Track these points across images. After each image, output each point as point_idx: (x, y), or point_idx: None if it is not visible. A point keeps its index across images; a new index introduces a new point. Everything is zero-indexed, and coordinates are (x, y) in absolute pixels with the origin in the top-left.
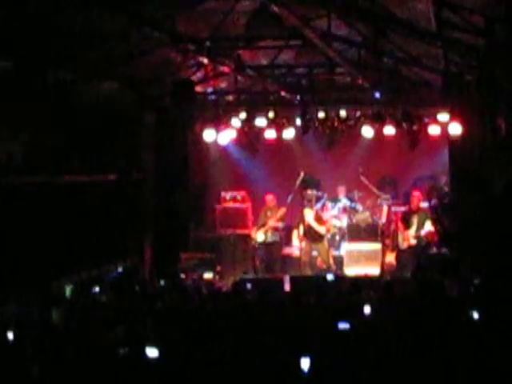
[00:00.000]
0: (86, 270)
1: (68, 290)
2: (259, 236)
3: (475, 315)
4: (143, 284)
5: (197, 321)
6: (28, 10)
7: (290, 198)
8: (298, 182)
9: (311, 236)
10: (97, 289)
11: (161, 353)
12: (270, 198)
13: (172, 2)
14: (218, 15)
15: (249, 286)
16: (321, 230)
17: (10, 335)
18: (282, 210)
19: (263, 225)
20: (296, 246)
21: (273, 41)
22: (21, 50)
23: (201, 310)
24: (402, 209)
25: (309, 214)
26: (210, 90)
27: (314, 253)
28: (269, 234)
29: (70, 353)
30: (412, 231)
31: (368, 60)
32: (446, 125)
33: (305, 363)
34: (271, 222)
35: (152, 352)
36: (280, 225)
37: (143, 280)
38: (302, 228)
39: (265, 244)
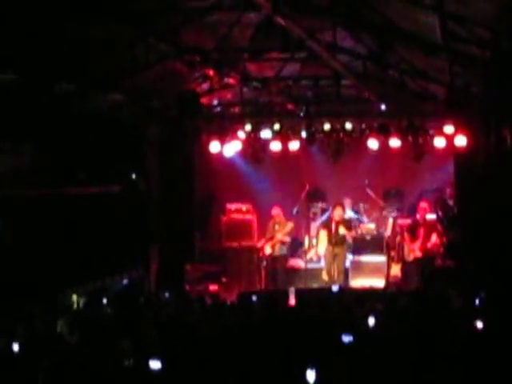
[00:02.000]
0: (92, 282)
1: (75, 302)
2: (267, 249)
3: (479, 327)
4: (148, 296)
5: (200, 333)
6: (32, 23)
7: (295, 210)
8: (304, 194)
9: (335, 238)
10: (104, 300)
11: (164, 364)
12: (276, 212)
13: (177, 14)
14: (224, 27)
15: (254, 298)
16: (346, 233)
17: (16, 347)
18: (290, 226)
19: (271, 238)
20: (302, 258)
21: (278, 53)
22: (25, 63)
23: (204, 322)
24: (408, 221)
25: (338, 212)
26: (215, 101)
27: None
28: (276, 247)
29: (75, 364)
30: (418, 243)
31: (373, 72)
32: (452, 137)
33: (310, 375)
34: (279, 236)
35: (155, 364)
36: (287, 239)
37: (148, 292)
38: (324, 233)
39: (272, 257)
